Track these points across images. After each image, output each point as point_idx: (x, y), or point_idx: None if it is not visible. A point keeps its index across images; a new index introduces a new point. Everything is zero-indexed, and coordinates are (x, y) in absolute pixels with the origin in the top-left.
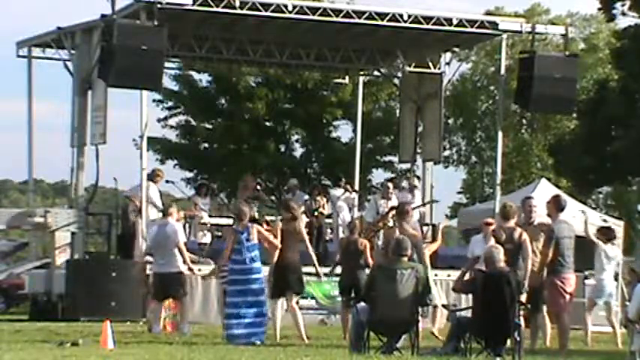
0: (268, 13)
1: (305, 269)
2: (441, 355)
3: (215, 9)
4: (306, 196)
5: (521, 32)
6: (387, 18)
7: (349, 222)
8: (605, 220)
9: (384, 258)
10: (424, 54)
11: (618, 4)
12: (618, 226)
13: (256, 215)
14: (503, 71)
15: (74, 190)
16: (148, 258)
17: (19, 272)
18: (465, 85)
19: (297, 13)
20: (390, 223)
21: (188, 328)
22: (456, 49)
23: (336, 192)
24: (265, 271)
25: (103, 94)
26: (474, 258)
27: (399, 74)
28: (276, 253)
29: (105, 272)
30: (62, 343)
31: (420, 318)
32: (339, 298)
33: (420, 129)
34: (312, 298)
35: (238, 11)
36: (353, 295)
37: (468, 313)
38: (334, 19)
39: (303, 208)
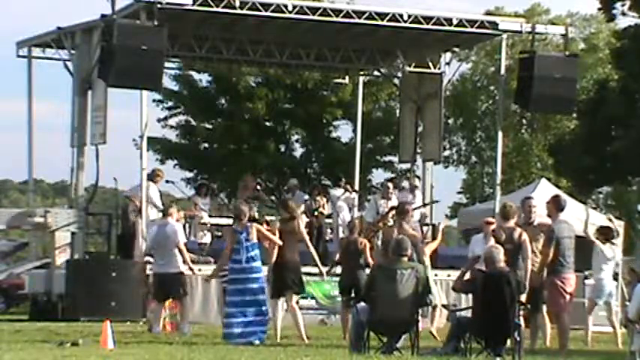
0: (268, 13)
1: (306, 269)
2: (441, 355)
3: (215, 9)
4: (306, 196)
5: (521, 32)
6: (387, 18)
7: (349, 222)
8: (610, 220)
9: (383, 258)
10: (424, 54)
11: (618, 4)
12: (618, 226)
13: (256, 215)
14: (503, 71)
15: (74, 190)
16: (148, 258)
17: (19, 272)
18: (465, 85)
19: (297, 13)
20: (391, 223)
21: (188, 328)
22: (456, 49)
23: (336, 192)
24: (265, 270)
25: (103, 94)
26: (474, 257)
27: (399, 74)
28: (275, 252)
29: (105, 272)
30: (62, 343)
31: (420, 318)
32: (339, 298)
33: (420, 129)
34: (312, 298)
35: (238, 11)
36: (353, 295)
37: (468, 313)
38: (334, 19)
39: (303, 208)
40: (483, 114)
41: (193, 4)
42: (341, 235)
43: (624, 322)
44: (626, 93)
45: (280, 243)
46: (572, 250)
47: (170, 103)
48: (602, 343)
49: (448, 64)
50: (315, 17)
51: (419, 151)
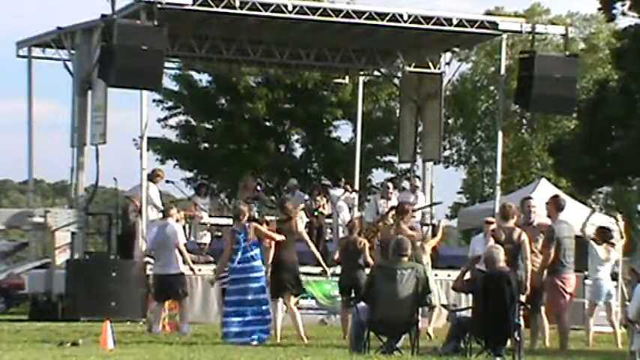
0: (268, 13)
1: (306, 269)
2: (441, 355)
3: (215, 9)
4: (306, 196)
5: (521, 32)
6: (387, 18)
7: (348, 222)
8: (617, 221)
9: (383, 258)
10: (424, 54)
11: (618, 4)
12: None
13: (256, 215)
14: (503, 71)
15: (74, 190)
16: (148, 259)
17: (19, 272)
18: (465, 85)
19: (297, 13)
20: (391, 223)
21: (187, 328)
22: (456, 49)
23: (336, 192)
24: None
25: (103, 94)
26: (474, 257)
27: (399, 74)
28: (272, 251)
29: (105, 272)
30: (62, 343)
31: (420, 318)
32: (339, 298)
33: (420, 129)
34: (312, 298)
35: (238, 11)
36: (353, 295)
37: (468, 313)
38: (334, 19)
39: (302, 206)
40: (483, 114)
41: (193, 4)
42: (341, 235)
43: (624, 322)
44: (626, 93)
45: (282, 238)
46: (572, 250)
47: (170, 103)
48: (602, 343)
49: (448, 64)
50: (315, 17)
51: (419, 151)
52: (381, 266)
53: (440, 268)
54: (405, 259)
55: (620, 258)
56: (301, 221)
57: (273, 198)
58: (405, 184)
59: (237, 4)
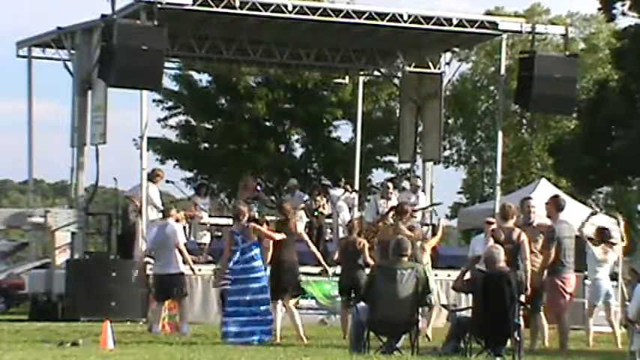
0: (268, 13)
1: (306, 269)
2: (441, 355)
3: (215, 9)
4: (306, 196)
5: (521, 32)
6: (387, 18)
7: (348, 222)
8: (617, 222)
9: (382, 258)
10: (424, 54)
11: (618, 4)
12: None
13: (256, 215)
14: (503, 71)
15: (74, 190)
16: (148, 259)
17: (19, 272)
18: (465, 85)
19: (297, 13)
20: (391, 223)
21: (187, 328)
22: (456, 49)
23: (336, 192)
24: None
25: (103, 94)
26: (475, 257)
27: (399, 74)
28: (270, 251)
29: (105, 272)
30: (62, 343)
31: (420, 318)
32: (339, 298)
33: (420, 129)
34: (312, 298)
35: (238, 11)
36: (353, 295)
37: (468, 313)
38: (334, 19)
39: (302, 205)
40: (483, 114)
41: (193, 4)
42: (341, 235)
43: (624, 322)
44: (626, 93)
45: (282, 237)
46: (572, 250)
47: (170, 103)
48: (601, 343)
49: (448, 64)
50: (315, 17)
51: (419, 151)
52: (381, 266)
53: (440, 268)
54: (405, 259)
55: (620, 258)
56: (301, 221)
57: (273, 198)
58: (406, 184)
59: (237, 4)
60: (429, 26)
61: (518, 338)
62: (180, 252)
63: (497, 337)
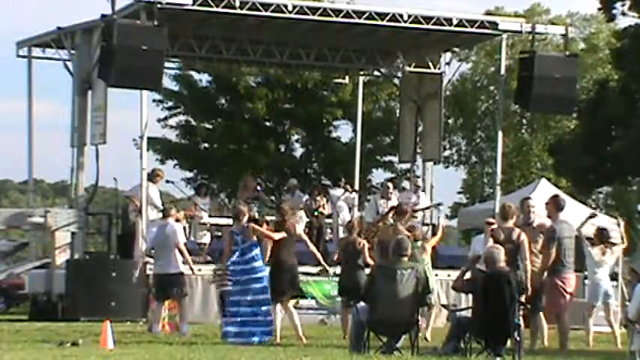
0: (268, 13)
1: (306, 269)
2: (441, 355)
3: (215, 9)
4: (306, 197)
5: (521, 32)
6: (387, 18)
7: (347, 222)
8: (618, 224)
9: (381, 258)
10: (424, 54)
11: (618, 4)
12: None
13: (256, 215)
14: (503, 71)
15: (74, 190)
16: (148, 259)
17: (19, 272)
18: (465, 85)
19: (297, 13)
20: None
21: (187, 328)
22: (456, 49)
23: (336, 192)
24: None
25: (103, 94)
26: (475, 257)
27: (399, 74)
28: (269, 250)
29: (105, 272)
30: (62, 343)
31: (420, 318)
32: (339, 298)
33: (420, 129)
34: (312, 298)
35: (238, 11)
36: (352, 295)
37: (468, 313)
38: (334, 19)
39: (302, 206)
40: (483, 114)
41: (193, 4)
42: (341, 235)
43: (624, 322)
44: (626, 93)
45: (281, 236)
46: (572, 250)
47: (170, 103)
48: (601, 343)
49: (448, 64)
50: (315, 17)
51: (419, 151)
52: (381, 266)
53: (440, 268)
54: (405, 259)
55: (620, 258)
56: (301, 221)
57: (273, 198)
58: (406, 184)
59: (237, 4)
60: (429, 26)
61: (518, 338)
62: (181, 252)
63: (497, 337)
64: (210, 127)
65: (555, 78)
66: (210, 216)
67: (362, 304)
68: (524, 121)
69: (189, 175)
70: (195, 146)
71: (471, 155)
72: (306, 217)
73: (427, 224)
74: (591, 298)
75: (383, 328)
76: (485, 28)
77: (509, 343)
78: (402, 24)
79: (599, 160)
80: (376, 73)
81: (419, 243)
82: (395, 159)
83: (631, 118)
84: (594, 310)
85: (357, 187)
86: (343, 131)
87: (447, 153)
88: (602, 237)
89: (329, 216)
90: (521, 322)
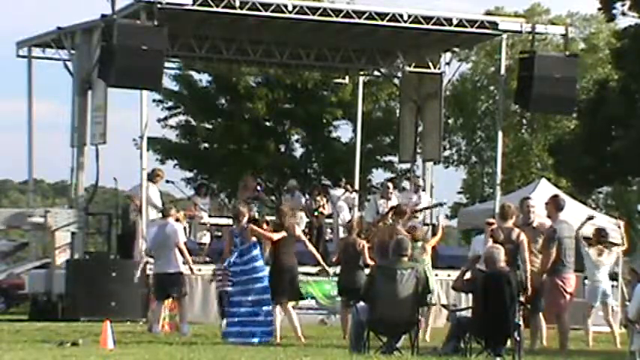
0: (268, 13)
1: (306, 269)
2: (441, 355)
3: (215, 9)
4: (306, 197)
5: (521, 32)
6: (387, 18)
7: (347, 222)
8: (618, 226)
9: (382, 258)
10: (424, 54)
11: (618, 4)
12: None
13: (256, 216)
14: (503, 71)
15: (74, 190)
16: (148, 259)
17: (19, 272)
18: (465, 85)
19: (297, 13)
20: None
21: (187, 328)
22: (456, 49)
23: (336, 192)
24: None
25: (103, 94)
26: (475, 257)
27: (399, 74)
28: (267, 251)
29: (105, 272)
30: (62, 343)
31: (420, 318)
32: (339, 298)
33: (420, 129)
34: (312, 298)
35: (238, 11)
36: (352, 295)
37: (468, 313)
38: (334, 19)
39: (301, 207)
40: (483, 114)
41: (193, 4)
42: (341, 235)
43: (624, 322)
44: (626, 93)
45: (280, 236)
46: (572, 250)
47: (170, 103)
48: (601, 343)
49: (448, 64)
50: (315, 17)
51: (419, 151)
52: (380, 266)
53: (440, 268)
54: (405, 259)
55: (620, 258)
56: (301, 222)
57: (273, 198)
58: (406, 184)
59: (237, 4)
60: (429, 26)
61: (518, 338)
62: (181, 251)
63: (497, 337)
64: (210, 127)
65: (555, 78)
66: (210, 216)
67: (362, 304)
68: (524, 121)
69: (189, 175)
70: (195, 146)
71: (470, 155)
72: (306, 218)
73: (427, 224)
74: (590, 299)
75: (383, 328)
76: (485, 28)
77: (509, 343)
78: (402, 24)
79: (599, 160)
80: (376, 73)
81: (419, 243)
82: (395, 159)
83: (631, 118)
84: (593, 310)
85: (357, 187)
86: (343, 131)
87: (447, 153)
88: (599, 237)
89: (329, 216)
90: (521, 322)
